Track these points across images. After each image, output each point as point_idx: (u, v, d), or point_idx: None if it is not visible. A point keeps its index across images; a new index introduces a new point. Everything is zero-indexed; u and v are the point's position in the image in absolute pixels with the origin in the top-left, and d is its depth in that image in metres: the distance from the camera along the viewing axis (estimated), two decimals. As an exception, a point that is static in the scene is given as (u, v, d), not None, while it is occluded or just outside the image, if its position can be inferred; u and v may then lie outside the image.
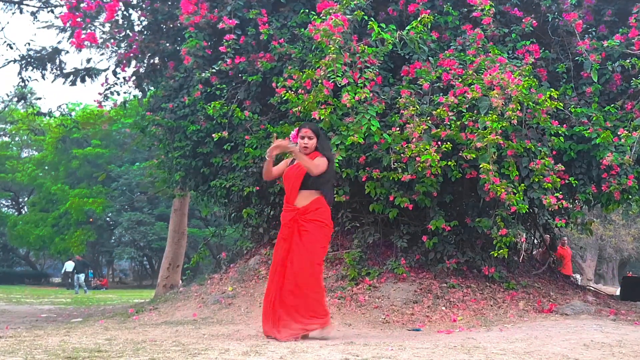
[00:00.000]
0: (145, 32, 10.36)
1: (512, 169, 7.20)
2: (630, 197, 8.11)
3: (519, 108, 7.04)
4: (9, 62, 13.59)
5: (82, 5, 9.52)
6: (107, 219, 36.50)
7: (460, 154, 7.20)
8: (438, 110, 7.16)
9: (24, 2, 13.87)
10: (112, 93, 10.43)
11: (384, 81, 7.94)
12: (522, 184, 7.17)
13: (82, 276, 26.05)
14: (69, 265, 39.18)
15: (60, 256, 36.46)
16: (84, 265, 27.87)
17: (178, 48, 9.54)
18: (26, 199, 42.65)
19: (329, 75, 7.06)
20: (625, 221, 27.06)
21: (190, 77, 9.31)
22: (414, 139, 7.02)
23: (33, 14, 13.86)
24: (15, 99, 15.79)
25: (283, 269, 5.40)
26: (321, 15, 7.35)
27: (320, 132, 5.66)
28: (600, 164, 7.46)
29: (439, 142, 7.09)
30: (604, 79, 8.05)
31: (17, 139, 40.96)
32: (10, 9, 13.80)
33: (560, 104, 7.41)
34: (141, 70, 10.70)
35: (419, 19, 7.48)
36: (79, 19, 9.51)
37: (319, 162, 5.37)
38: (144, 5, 10.32)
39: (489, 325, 6.51)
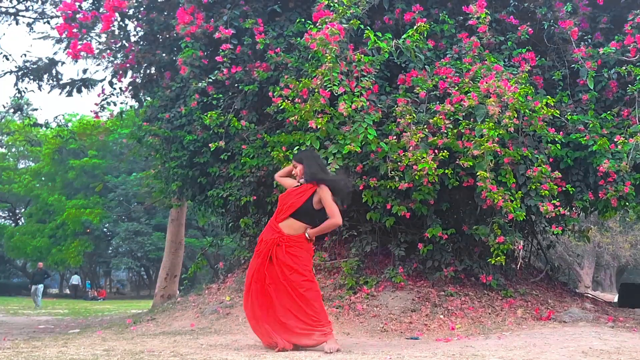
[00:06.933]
0: (141, 43, 10.38)
1: (509, 177, 7.20)
2: (627, 203, 8.11)
3: (516, 116, 7.06)
4: (5, 74, 13.65)
5: (78, 16, 9.53)
6: (104, 229, 36.39)
7: (457, 161, 7.21)
8: (435, 119, 7.17)
9: (20, 13, 13.90)
10: (108, 103, 10.45)
11: (381, 90, 7.95)
12: (519, 192, 7.18)
13: (40, 287, 22.46)
14: (75, 279, 39.20)
15: (58, 267, 36.38)
16: (44, 274, 24.34)
17: (174, 58, 9.54)
18: (23, 210, 42.52)
19: (325, 84, 7.06)
20: (623, 228, 27.07)
21: (187, 87, 9.31)
22: (411, 147, 7.03)
23: (29, 25, 13.94)
24: (12, 110, 15.83)
25: (264, 285, 5.26)
26: (317, 24, 7.36)
27: (303, 155, 5.61)
28: (597, 171, 7.46)
29: (436, 150, 7.09)
30: (600, 86, 8.07)
31: (13, 150, 40.89)
32: (6, 20, 13.82)
33: (557, 111, 7.43)
34: (137, 80, 10.70)
35: (415, 27, 7.50)
36: (75, 30, 9.52)
37: (329, 208, 5.24)
38: (140, 16, 10.34)
39: (487, 333, 6.50)
